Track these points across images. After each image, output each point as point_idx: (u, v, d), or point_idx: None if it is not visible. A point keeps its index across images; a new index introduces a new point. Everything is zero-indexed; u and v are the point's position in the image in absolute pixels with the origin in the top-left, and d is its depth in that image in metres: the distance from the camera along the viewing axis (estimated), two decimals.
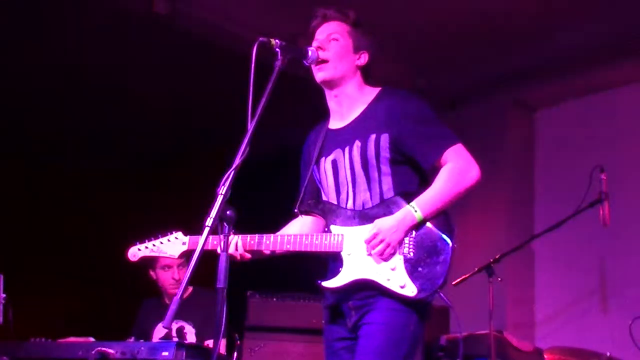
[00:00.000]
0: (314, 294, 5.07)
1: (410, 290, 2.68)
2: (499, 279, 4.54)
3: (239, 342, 4.77)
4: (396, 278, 2.70)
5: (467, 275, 4.60)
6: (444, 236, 2.76)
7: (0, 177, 7.57)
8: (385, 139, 2.81)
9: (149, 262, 4.56)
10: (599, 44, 5.47)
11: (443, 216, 2.79)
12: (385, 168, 2.83)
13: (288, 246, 2.85)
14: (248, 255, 2.91)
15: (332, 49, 2.92)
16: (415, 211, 2.73)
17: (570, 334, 5.62)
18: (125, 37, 5.61)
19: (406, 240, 2.73)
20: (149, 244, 3.04)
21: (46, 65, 6.05)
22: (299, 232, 2.94)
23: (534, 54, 5.72)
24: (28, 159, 7.86)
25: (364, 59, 2.96)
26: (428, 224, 2.76)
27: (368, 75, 3.00)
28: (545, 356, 4.46)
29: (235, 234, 2.84)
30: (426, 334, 4.92)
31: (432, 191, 2.77)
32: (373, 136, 2.83)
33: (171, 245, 3.01)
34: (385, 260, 2.72)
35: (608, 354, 4.34)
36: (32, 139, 7.49)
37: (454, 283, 4.58)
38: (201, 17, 5.25)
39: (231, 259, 2.69)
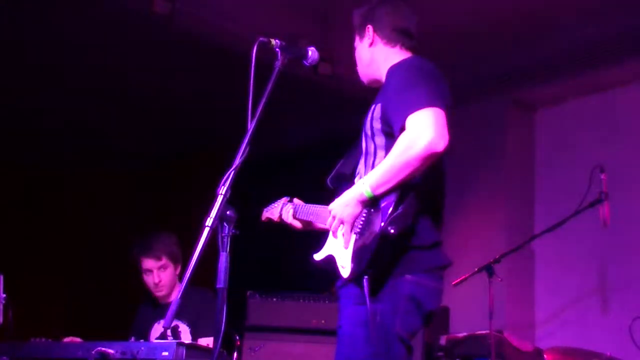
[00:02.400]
0: (314, 293, 5.08)
1: (346, 271, 2.63)
2: (499, 279, 4.53)
3: (239, 342, 4.77)
4: (343, 257, 2.66)
5: (467, 275, 4.60)
6: (379, 218, 2.53)
7: (0, 178, 7.58)
8: (378, 108, 2.74)
9: (139, 267, 4.56)
10: (600, 44, 5.47)
11: (395, 195, 2.54)
12: (380, 140, 2.72)
13: (311, 217, 3.03)
14: (297, 224, 3.13)
15: (357, 62, 3.02)
16: (363, 184, 2.58)
17: (570, 334, 5.62)
18: (125, 37, 5.61)
19: (362, 219, 2.61)
20: (269, 207, 3.32)
21: (46, 65, 6.05)
22: None
23: (534, 53, 5.72)
24: (28, 159, 7.87)
25: (370, 33, 2.93)
26: (379, 203, 2.57)
27: (393, 39, 2.92)
28: (545, 356, 4.46)
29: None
30: (426, 334, 4.96)
31: (381, 164, 2.57)
32: (372, 107, 2.79)
33: (275, 208, 3.26)
34: (343, 238, 2.66)
35: (608, 354, 4.34)
36: (32, 139, 7.50)
37: (453, 283, 4.58)
38: (201, 17, 5.25)
39: (285, 224, 3.11)
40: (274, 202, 3.31)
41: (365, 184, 2.57)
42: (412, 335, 2.63)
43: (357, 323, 2.61)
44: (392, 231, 2.48)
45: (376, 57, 2.93)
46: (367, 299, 2.50)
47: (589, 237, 5.51)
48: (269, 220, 3.31)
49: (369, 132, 2.76)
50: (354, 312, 2.62)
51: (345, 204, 2.63)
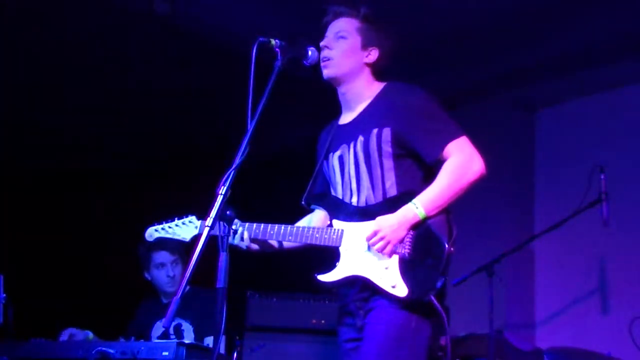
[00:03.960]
0: (314, 294, 5.08)
1: (400, 291, 2.67)
2: (499, 279, 4.54)
3: (239, 342, 4.77)
4: (388, 277, 2.69)
5: (467, 275, 4.60)
6: (441, 239, 2.71)
7: (1, 179, 7.57)
8: (387, 132, 2.80)
9: (142, 264, 4.56)
10: (600, 44, 5.46)
11: (444, 216, 2.76)
12: (388, 163, 2.81)
13: (290, 237, 2.87)
14: (255, 246, 2.95)
15: (338, 47, 2.94)
16: (417, 208, 2.71)
17: (570, 334, 5.62)
18: (125, 37, 5.61)
19: (409, 240, 2.71)
20: (165, 226, 3.11)
21: (45, 65, 6.05)
22: (306, 225, 2.95)
23: (534, 53, 5.71)
24: (28, 158, 7.86)
25: (373, 55, 2.97)
26: (428, 224, 2.72)
27: (379, 71, 3.01)
28: (545, 356, 4.46)
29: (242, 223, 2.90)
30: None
31: (435, 188, 2.75)
32: (375, 130, 2.82)
33: (185, 228, 3.08)
34: (382, 258, 2.71)
35: (608, 354, 4.34)
36: (31, 139, 7.49)
37: (453, 283, 4.58)
38: (201, 17, 5.25)
39: (237, 249, 2.79)
40: (170, 220, 3.10)
41: (418, 208, 2.70)
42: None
43: (392, 325, 2.69)
44: (452, 249, 2.71)
45: (360, 73, 2.97)
46: (443, 314, 2.69)
47: (589, 237, 5.51)
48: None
49: (374, 155, 2.81)
50: (392, 315, 2.69)
51: (395, 227, 2.69)
